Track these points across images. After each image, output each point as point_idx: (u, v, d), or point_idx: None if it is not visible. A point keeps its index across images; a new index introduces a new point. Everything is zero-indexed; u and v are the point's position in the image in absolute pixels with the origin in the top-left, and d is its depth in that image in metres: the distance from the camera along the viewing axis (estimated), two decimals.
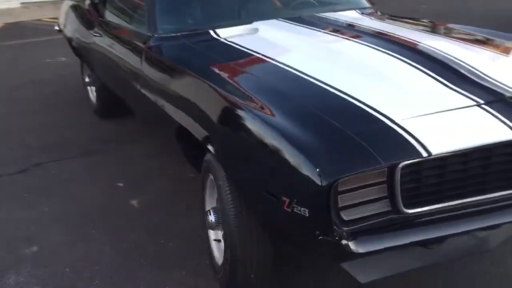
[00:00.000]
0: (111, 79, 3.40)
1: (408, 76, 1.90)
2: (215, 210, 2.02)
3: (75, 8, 4.28)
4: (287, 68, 2.03)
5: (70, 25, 4.37)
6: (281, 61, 2.12)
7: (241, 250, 1.82)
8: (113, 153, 3.65)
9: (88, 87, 4.39)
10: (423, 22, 2.97)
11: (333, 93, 1.77)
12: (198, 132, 2.01)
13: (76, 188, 3.15)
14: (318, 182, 1.37)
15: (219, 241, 2.07)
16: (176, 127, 2.23)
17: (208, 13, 2.82)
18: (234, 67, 2.16)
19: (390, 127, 1.52)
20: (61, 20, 4.72)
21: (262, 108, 1.70)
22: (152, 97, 2.45)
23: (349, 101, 1.69)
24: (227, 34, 2.54)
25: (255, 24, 2.62)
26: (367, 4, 3.10)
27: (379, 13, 3.06)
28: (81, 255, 2.46)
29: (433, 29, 2.79)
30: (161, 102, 2.32)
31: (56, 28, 4.85)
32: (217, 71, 2.08)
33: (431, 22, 2.92)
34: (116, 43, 3.03)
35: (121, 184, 3.19)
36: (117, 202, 2.97)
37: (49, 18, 8.78)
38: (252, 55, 2.24)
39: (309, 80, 1.90)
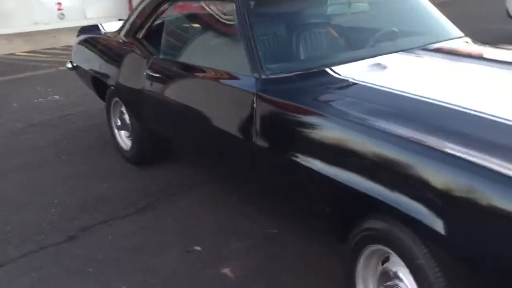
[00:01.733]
0: (178, 128, 2.91)
1: None
2: None
3: (102, 43, 3.80)
4: (459, 108, 1.71)
5: (94, 63, 3.87)
6: (444, 100, 1.79)
7: None
8: (168, 208, 3.17)
9: (118, 131, 3.88)
10: None
11: None
12: (394, 200, 1.57)
13: (146, 258, 2.65)
14: None
15: None
16: (331, 191, 1.83)
17: (317, 48, 2.45)
18: (399, 113, 1.80)
19: None
20: (78, 56, 4.20)
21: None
22: (286, 153, 2.03)
23: None
24: (349, 72, 2.18)
25: (375, 59, 2.29)
26: (462, 33, 2.84)
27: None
28: None
29: None
30: (305, 160, 1.90)
31: (69, 66, 4.31)
32: (388, 121, 1.71)
33: None
34: (192, 87, 2.60)
35: (198, 248, 2.72)
36: (206, 272, 2.51)
37: (23, 52, 8.09)
38: (405, 96, 1.90)
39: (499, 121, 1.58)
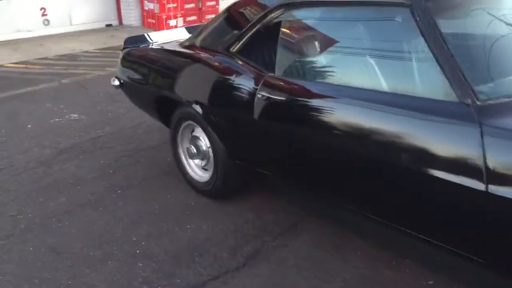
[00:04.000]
0: (307, 162, 2.38)
1: None
2: None
3: (170, 56, 3.22)
4: None
5: (161, 80, 3.28)
6: None
7: None
8: (282, 253, 2.65)
9: (187, 160, 3.30)
10: None
11: None
12: None
13: None
14: None
15: None
16: None
17: None
18: None
19: None
20: (130, 73, 3.58)
21: None
22: None
23: None
24: None
25: None
26: None
27: None
28: None
29: None
30: None
31: (115, 83, 3.68)
32: None
33: None
34: (342, 114, 2.09)
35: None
36: None
37: (12, 64, 7.27)
38: None
39: None
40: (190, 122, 3.14)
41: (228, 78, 2.67)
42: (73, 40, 8.70)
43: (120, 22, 10.05)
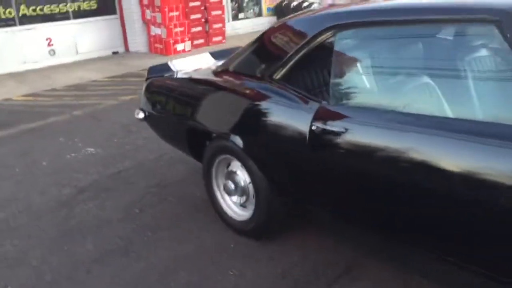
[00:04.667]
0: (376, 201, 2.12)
1: None
2: None
3: (200, 85, 2.99)
4: None
5: (191, 111, 3.05)
6: None
7: None
8: None
9: (223, 197, 3.05)
10: None
11: None
12: None
13: None
14: None
15: None
16: None
17: None
18: None
19: None
20: (155, 103, 3.35)
21: None
22: None
23: None
24: None
25: None
26: None
27: None
28: None
29: None
30: None
31: (140, 116, 3.44)
32: None
33: None
34: (429, 148, 1.84)
35: None
36: None
37: (21, 96, 7.07)
38: None
39: None
40: (226, 156, 2.90)
41: (274, 108, 2.43)
42: (80, 69, 8.52)
43: (127, 49, 9.89)
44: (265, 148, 2.54)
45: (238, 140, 2.65)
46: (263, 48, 2.71)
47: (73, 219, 3.42)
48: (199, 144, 3.13)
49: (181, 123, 3.10)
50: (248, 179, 2.81)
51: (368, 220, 2.20)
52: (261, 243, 2.91)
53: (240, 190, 2.89)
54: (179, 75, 3.33)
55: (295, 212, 2.73)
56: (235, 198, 2.98)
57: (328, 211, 2.46)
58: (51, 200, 3.72)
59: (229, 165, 2.97)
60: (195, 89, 3.06)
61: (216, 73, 2.99)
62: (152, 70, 3.51)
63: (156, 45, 9.54)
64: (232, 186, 2.90)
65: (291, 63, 2.44)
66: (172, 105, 3.21)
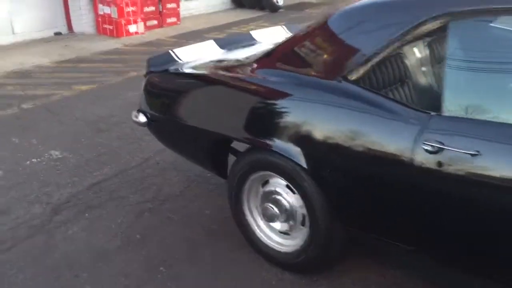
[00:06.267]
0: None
1: None
2: None
3: (230, 84, 2.37)
4: None
5: (217, 117, 2.43)
6: None
7: None
8: None
9: (258, 223, 2.48)
10: None
11: None
12: None
13: None
14: None
15: None
16: None
17: None
18: None
19: None
20: (162, 105, 2.69)
21: None
22: None
23: None
24: None
25: None
26: None
27: None
28: None
29: None
30: None
31: (141, 119, 2.75)
32: None
33: None
34: None
35: None
36: None
37: None
38: None
39: None
40: (266, 172, 2.32)
41: (357, 118, 1.89)
42: (21, 52, 7.43)
43: (70, 29, 8.83)
44: (340, 168, 1.99)
45: (296, 156, 2.07)
46: (328, 39, 2.12)
47: (56, 250, 2.71)
48: (224, 158, 2.53)
49: (204, 132, 2.46)
50: (297, 202, 2.26)
51: (491, 266, 1.73)
52: (310, 279, 2.38)
53: (285, 215, 2.33)
54: (190, 69, 2.68)
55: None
56: (277, 224, 2.41)
57: (423, 251, 1.97)
58: (21, 225, 2.96)
59: (265, 183, 2.40)
60: (221, 88, 2.43)
61: (250, 68, 2.38)
62: (152, 62, 2.83)
63: (105, 25, 8.58)
64: (274, 210, 2.33)
65: (376, 60, 1.89)
66: (190, 108, 2.56)
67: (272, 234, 2.46)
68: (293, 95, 2.08)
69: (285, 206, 2.31)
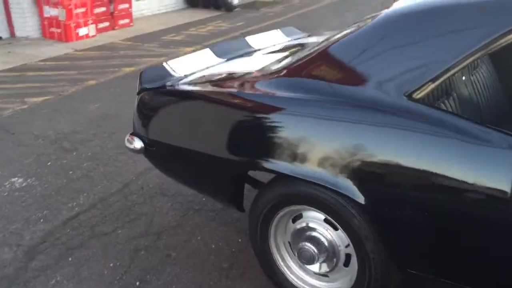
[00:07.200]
0: None
1: None
2: None
3: (255, 107, 1.98)
4: None
5: (241, 144, 2.04)
6: None
7: None
8: None
9: (292, 264, 2.12)
10: None
11: None
12: None
13: None
14: None
15: None
16: None
17: None
18: None
19: None
20: (164, 130, 2.26)
21: None
22: None
23: None
24: None
25: None
26: None
27: None
28: None
29: None
30: None
31: (136, 146, 2.31)
32: None
33: None
34: None
35: None
36: None
37: None
38: None
39: None
40: (299, 207, 1.97)
41: (431, 145, 1.56)
42: None
43: (12, 34, 8.07)
44: (413, 207, 1.66)
45: (349, 190, 1.73)
46: (382, 46, 1.77)
47: None
48: (241, 189, 2.15)
49: (224, 163, 2.05)
50: (341, 241, 1.92)
51: None
52: None
53: (324, 256, 1.99)
54: (192, 85, 2.28)
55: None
56: (314, 266, 2.06)
57: None
58: None
59: (296, 218, 2.04)
60: (241, 111, 2.02)
61: (271, 82, 2.01)
62: (144, 77, 2.40)
63: (52, 29, 7.88)
64: (313, 250, 1.98)
65: (450, 74, 1.57)
66: (198, 132, 2.14)
67: (307, 277, 2.11)
68: (346, 118, 1.73)
69: (325, 244, 1.97)
